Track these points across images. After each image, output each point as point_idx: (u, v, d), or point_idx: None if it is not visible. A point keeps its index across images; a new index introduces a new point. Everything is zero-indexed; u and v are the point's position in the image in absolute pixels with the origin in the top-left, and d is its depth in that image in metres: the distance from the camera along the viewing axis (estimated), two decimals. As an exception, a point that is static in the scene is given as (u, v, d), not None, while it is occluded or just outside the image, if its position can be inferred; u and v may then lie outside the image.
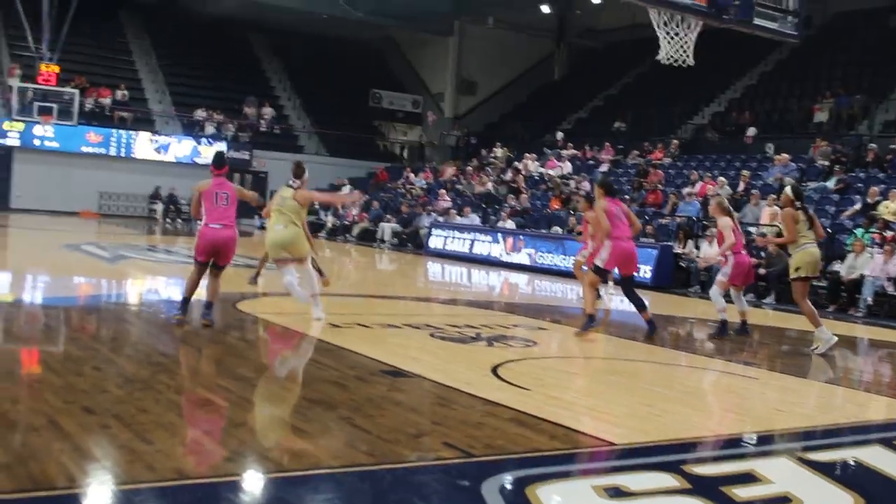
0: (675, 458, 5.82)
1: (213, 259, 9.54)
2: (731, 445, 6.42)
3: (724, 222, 11.61)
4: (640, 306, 11.20)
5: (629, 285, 11.49)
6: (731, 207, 12.45)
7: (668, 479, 5.26)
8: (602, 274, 11.37)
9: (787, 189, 11.27)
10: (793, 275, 10.91)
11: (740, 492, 5.05)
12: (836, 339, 10.80)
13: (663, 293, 19.02)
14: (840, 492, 5.31)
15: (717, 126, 30.27)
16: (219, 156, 10.04)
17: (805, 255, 10.76)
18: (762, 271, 18.55)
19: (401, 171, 38.21)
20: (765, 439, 6.58)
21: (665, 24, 11.14)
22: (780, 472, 5.57)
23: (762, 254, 18.83)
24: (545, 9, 39.69)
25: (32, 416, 5.73)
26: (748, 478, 5.37)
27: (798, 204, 10.92)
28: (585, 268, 13.10)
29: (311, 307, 10.47)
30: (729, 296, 12.15)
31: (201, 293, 9.80)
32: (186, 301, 9.64)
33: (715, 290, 11.85)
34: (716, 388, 9.05)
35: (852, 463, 6.08)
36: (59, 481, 4.55)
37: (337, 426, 5.95)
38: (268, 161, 38.17)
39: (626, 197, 25.75)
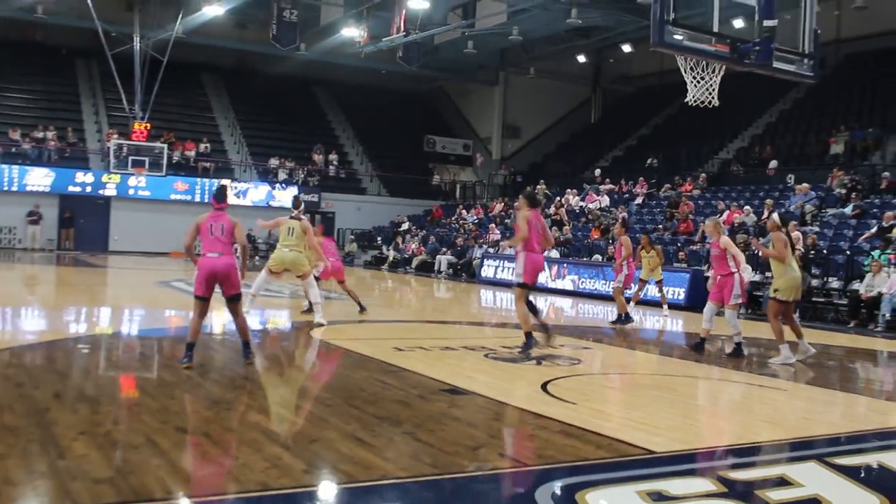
0: (712, 464, 5.75)
1: (220, 290, 8.66)
2: (764, 452, 6.32)
3: (726, 241, 11.39)
4: (535, 311, 10.68)
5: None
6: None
7: (706, 484, 5.20)
8: (527, 288, 10.56)
9: (774, 216, 11.18)
10: (771, 294, 10.77)
11: (773, 494, 4.97)
12: (793, 359, 10.62)
13: (696, 313, 18.82)
14: (866, 493, 5.20)
15: (741, 160, 29.98)
16: (220, 190, 9.17)
17: (789, 280, 10.61)
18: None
19: (454, 208, 38.31)
20: (794, 446, 6.47)
21: (691, 69, 11.06)
22: (809, 476, 5.47)
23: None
24: (581, 59, 39.72)
25: (132, 435, 5.81)
26: (780, 482, 5.28)
27: (784, 230, 10.81)
28: (627, 290, 12.87)
29: (315, 313, 12.33)
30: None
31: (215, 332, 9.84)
32: (191, 346, 8.54)
33: (730, 314, 11.34)
34: (747, 399, 8.91)
35: (876, 466, 5.95)
36: (157, 493, 4.61)
37: (402, 440, 5.95)
38: (334, 202, 38.53)
39: (660, 226, 25.60)
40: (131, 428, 6.05)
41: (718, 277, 11.51)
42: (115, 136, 34.62)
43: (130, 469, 4.95)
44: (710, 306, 11.63)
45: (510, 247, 11.35)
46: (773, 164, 27.35)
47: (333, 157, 41.02)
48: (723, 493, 5.03)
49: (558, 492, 4.95)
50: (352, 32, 34.80)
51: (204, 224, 8.73)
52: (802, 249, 19.69)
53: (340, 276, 14.51)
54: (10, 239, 33.76)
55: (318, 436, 5.96)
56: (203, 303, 8.60)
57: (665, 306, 17.51)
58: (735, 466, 5.75)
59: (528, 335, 10.35)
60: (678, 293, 19.93)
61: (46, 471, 4.85)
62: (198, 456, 5.36)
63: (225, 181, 34.45)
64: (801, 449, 6.42)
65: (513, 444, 5.92)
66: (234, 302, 8.77)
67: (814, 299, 18.67)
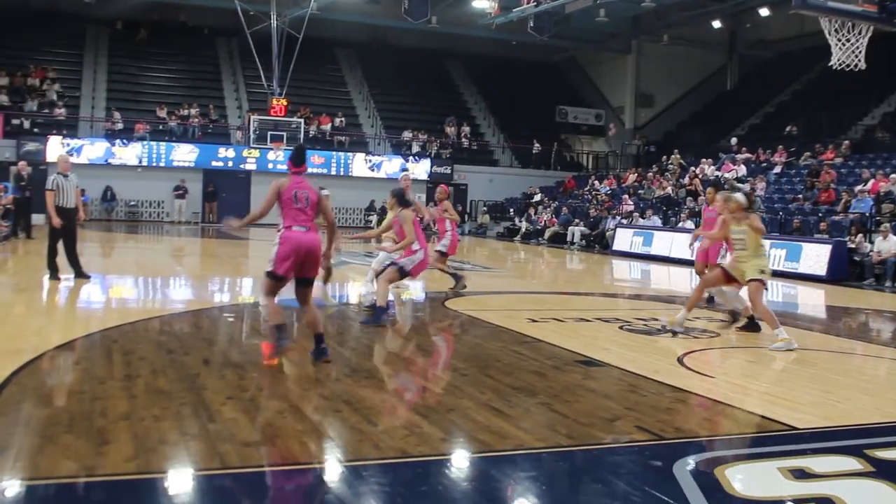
0: (858, 442, 5.53)
1: (299, 272, 7.36)
2: (914, 430, 6.05)
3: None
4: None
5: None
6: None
7: (851, 463, 5.02)
8: (404, 275, 10.19)
9: (740, 196, 9.96)
10: (756, 276, 9.45)
11: (925, 475, 4.76)
12: (796, 344, 9.08)
13: (838, 286, 18.16)
14: None
15: (887, 125, 28.61)
16: (298, 151, 7.81)
17: (765, 260, 9.78)
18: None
19: (587, 179, 37.93)
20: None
21: (836, 31, 10.61)
22: (963, 456, 5.21)
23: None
24: (717, 24, 38.60)
25: (277, 401, 6.00)
26: (931, 462, 5.05)
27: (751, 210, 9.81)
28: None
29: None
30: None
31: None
32: (282, 328, 7.37)
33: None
34: (893, 376, 8.55)
35: None
36: (301, 457, 4.75)
37: (538, 411, 5.96)
38: (467, 174, 38.68)
39: (799, 196, 24.71)
40: (275, 394, 6.25)
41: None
42: (255, 116, 35.58)
43: (275, 433, 5.12)
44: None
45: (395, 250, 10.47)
46: (923, 129, 26.03)
47: (466, 129, 41.14)
48: (870, 472, 4.85)
49: (697, 466, 4.86)
50: (483, 4, 34.73)
51: (286, 191, 7.35)
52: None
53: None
54: (159, 212, 35.25)
55: (454, 405, 6.02)
56: (280, 283, 7.38)
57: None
58: (883, 445, 5.52)
59: (380, 309, 9.84)
60: (820, 265, 19.22)
61: (198, 433, 5.06)
62: (339, 423, 5.49)
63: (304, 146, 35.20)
64: (955, 428, 6.12)
65: (650, 416, 5.85)
66: (307, 287, 7.54)
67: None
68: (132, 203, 34.86)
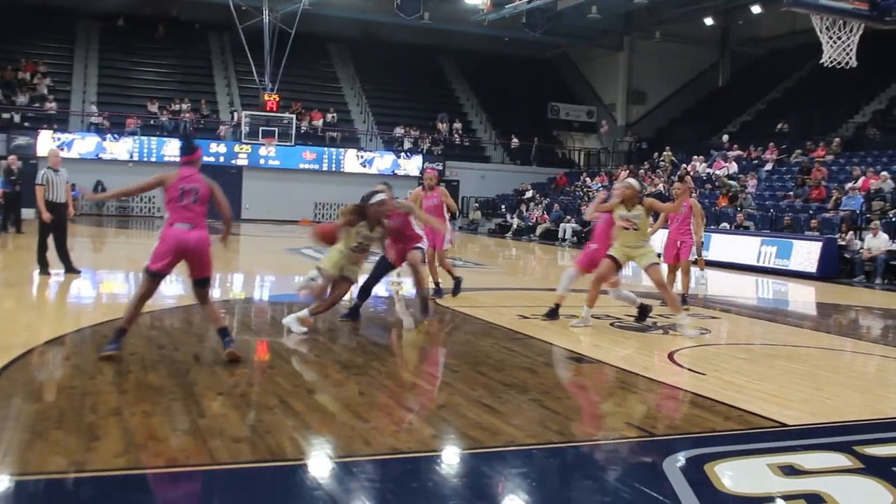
0: (847, 438, 5.55)
1: (191, 273, 7.10)
2: (902, 427, 6.07)
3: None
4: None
5: None
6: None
7: (840, 459, 5.04)
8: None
9: (633, 181, 10.04)
10: (654, 260, 9.61)
11: (913, 471, 4.78)
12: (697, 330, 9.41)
13: (829, 283, 18.22)
14: None
15: (878, 123, 28.68)
16: (185, 140, 7.50)
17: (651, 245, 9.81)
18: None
19: (578, 175, 37.98)
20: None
21: (827, 28, 10.63)
22: (952, 453, 5.23)
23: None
24: (709, 21, 38.67)
25: (267, 396, 6.00)
26: (920, 458, 5.08)
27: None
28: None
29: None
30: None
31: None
32: (123, 332, 7.01)
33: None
34: (883, 372, 8.58)
35: None
36: (291, 453, 4.75)
37: (529, 407, 5.96)
38: (458, 171, 38.68)
39: (790, 193, 24.78)
40: (266, 390, 6.24)
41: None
42: (246, 114, 35.49)
43: (266, 429, 5.11)
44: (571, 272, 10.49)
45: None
46: (914, 127, 26.10)
47: (458, 125, 41.12)
48: (859, 468, 4.87)
49: (687, 462, 4.88)
50: (475, 0, 34.68)
51: (172, 187, 6.94)
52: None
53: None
54: (150, 208, 35.18)
55: (445, 401, 6.02)
56: (155, 281, 7.06)
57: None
58: (871, 442, 5.54)
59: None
60: (811, 262, 19.28)
61: (188, 428, 5.05)
62: (329, 418, 5.49)
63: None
64: (943, 424, 6.14)
65: (640, 413, 5.86)
66: (202, 288, 7.22)
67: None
68: (123, 198, 34.77)
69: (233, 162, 35.79)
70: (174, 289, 12.51)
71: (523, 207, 35.25)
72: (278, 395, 6.01)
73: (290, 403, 5.75)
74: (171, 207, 6.93)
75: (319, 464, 4.65)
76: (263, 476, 4.47)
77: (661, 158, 33.76)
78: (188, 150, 7.18)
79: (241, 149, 35.72)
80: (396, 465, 4.68)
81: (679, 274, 12.26)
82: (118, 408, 5.43)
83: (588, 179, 36.02)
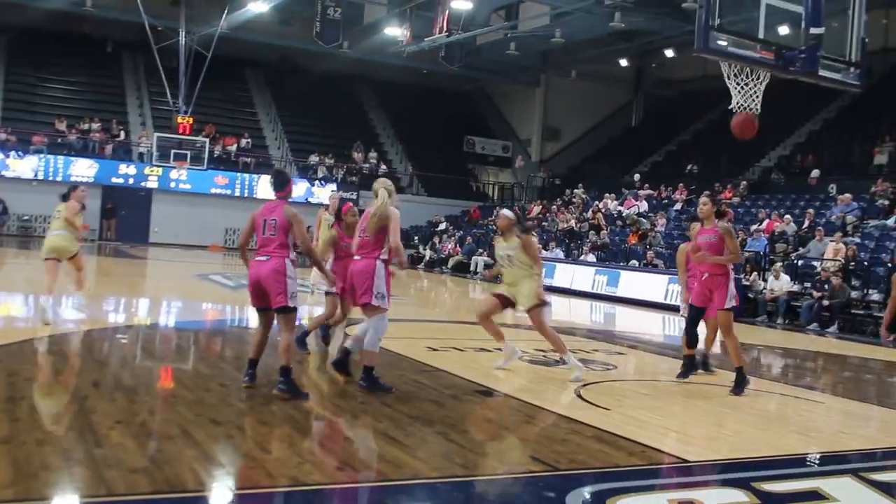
0: (746, 475, 5.68)
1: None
2: (798, 464, 6.24)
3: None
4: None
5: None
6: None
7: (738, 495, 5.15)
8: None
9: (507, 211, 9.42)
10: (534, 303, 8.87)
11: (807, 508, 4.91)
12: (582, 373, 8.88)
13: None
14: (902, 510, 5.13)
15: (783, 168, 29.67)
16: (276, 174, 7.56)
17: (536, 281, 8.92)
18: (825, 303, 18.12)
19: (492, 209, 38.27)
20: (830, 459, 6.39)
21: (735, 75, 10.94)
22: (844, 491, 5.39)
23: (825, 287, 18.40)
24: (623, 62, 39.58)
25: (167, 426, 5.87)
26: (814, 495, 5.22)
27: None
28: None
29: None
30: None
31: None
32: (253, 363, 7.28)
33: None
34: (783, 411, 8.82)
35: (914, 483, 5.86)
36: (191, 485, 4.65)
37: (434, 440, 5.96)
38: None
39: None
40: (167, 419, 6.11)
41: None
42: (145, 137, 34.99)
43: (165, 460, 4.99)
44: None
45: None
46: (815, 173, 27.02)
47: (373, 155, 41.13)
48: (756, 504, 4.99)
49: (589, 497, 4.93)
50: (395, 32, 34.89)
51: (258, 217, 7.17)
52: (843, 261, 19.47)
53: None
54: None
55: (350, 433, 5.98)
56: (259, 314, 7.35)
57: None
58: (769, 478, 5.69)
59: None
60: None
61: (83, 458, 4.91)
62: (231, 449, 5.40)
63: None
64: (837, 463, 6.34)
65: (545, 447, 5.90)
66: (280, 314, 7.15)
67: (853, 311, 18.44)
68: (25, 217, 33.80)
69: (142, 184, 35.15)
70: (75, 313, 12.20)
71: (436, 239, 35.37)
72: (179, 424, 5.88)
73: (191, 433, 5.63)
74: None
75: (220, 495, 4.57)
76: (160, 508, 4.36)
77: (574, 195, 34.32)
78: (280, 186, 7.32)
79: (152, 171, 35.08)
80: (299, 497, 4.62)
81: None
82: (9, 436, 5.24)
83: (502, 213, 36.36)
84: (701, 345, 9.89)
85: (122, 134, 36.98)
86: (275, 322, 7.22)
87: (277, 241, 6.98)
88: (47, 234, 11.15)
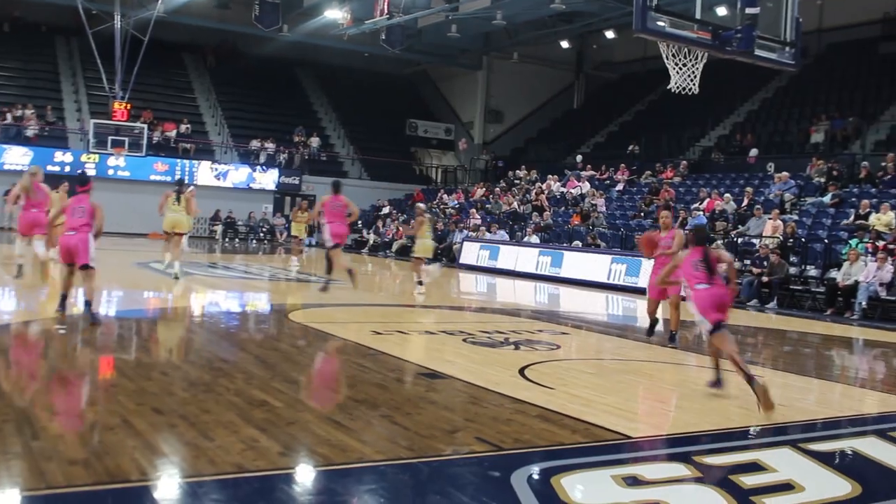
0: (686, 449, 5.78)
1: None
2: (738, 437, 6.36)
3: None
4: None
5: None
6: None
7: (680, 469, 5.24)
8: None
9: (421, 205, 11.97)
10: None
11: (747, 479, 5.01)
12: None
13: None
14: (839, 479, 5.26)
15: (722, 147, 30.09)
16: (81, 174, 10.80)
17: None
18: (765, 279, 18.44)
19: (435, 192, 38.31)
20: (769, 431, 6.52)
21: (673, 55, 11.06)
22: (783, 462, 5.52)
23: (765, 263, 18.72)
24: (565, 44, 39.71)
25: (108, 416, 5.79)
26: (754, 466, 5.33)
27: None
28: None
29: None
30: None
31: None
32: (64, 298, 10.33)
33: None
34: (724, 386, 8.95)
35: (850, 452, 6.01)
36: (133, 475, 4.59)
37: (379, 423, 5.96)
38: (315, 185, 38.39)
39: (640, 213, 25.66)
40: (107, 409, 6.02)
41: None
42: (92, 124, 34.34)
43: (105, 450, 4.92)
44: None
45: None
46: (754, 152, 27.49)
47: (315, 139, 40.83)
48: (697, 477, 5.08)
49: (534, 476, 4.97)
50: (335, 14, 34.64)
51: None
52: (781, 237, 19.83)
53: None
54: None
55: (294, 418, 5.95)
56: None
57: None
58: (709, 452, 5.79)
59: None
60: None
61: (21, 451, 4.82)
62: (174, 438, 5.34)
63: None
64: (776, 434, 6.47)
65: (490, 427, 5.94)
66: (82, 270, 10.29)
67: (791, 287, 18.80)
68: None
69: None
70: (10, 304, 11.98)
71: (380, 223, 35.29)
72: (120, 414, 5.80)
73: (132, 423, 5.56)
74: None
75: (162, 485, 4.52)
76: (102, 499, 4.30)
77: (517, 177, 34.44)
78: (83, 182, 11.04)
79: (89, 158, 34.40)
80: (243, 484, 4.59)
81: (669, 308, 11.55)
82: (-57, 429, 5.14)
83: (445, 196, 36.39)
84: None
85: (57, 121, 36.27)
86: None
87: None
88: None
